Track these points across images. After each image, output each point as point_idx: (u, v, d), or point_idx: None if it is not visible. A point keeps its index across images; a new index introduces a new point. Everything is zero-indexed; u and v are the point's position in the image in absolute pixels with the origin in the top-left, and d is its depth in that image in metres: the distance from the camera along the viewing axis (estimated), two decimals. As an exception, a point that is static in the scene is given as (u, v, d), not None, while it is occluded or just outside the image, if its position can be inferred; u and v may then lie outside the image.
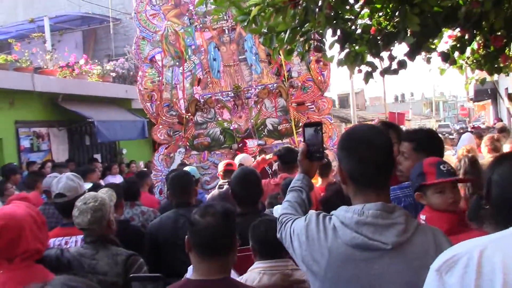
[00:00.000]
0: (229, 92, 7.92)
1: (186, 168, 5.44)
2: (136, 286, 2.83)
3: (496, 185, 1.83)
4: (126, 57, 14.58)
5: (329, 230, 1.68)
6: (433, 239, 1.64)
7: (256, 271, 2.55)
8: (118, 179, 9.83)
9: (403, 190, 2.67)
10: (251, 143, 7.85)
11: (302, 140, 2.12)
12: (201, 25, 7.95)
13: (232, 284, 2.08)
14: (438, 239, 1.65)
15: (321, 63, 7.46)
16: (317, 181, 5.33)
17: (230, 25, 7.83)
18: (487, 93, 18.15)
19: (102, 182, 7.64)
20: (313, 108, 7.75)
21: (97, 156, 13.10)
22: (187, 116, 8.00)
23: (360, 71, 3.54)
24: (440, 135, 3.41)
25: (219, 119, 8.01)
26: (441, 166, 2.33)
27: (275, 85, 7.82)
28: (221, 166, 5.90)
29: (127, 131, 12.70)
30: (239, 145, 7.86)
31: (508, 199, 1.80)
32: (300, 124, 7.64)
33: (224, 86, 7.95)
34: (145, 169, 10.34)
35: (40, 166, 9.05)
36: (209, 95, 7.97)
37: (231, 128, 7.92)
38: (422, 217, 2.29)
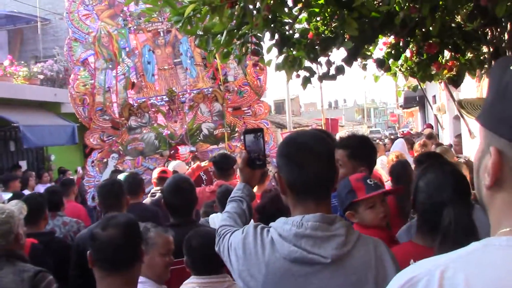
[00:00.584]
0: (164, 97, 7.73)
1: (120, 176, 5.20)
2: None
3: (422, 191, 1.97)
4: (55, 59, 13.95)
5: (266, 243, 1.59)
6: (374, 250, 1.58)
7: (190, 287, 2.39)
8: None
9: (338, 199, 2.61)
10: (183, 150, 7.69)
11: (243, 147, 2.03)
12: (135, 27, 7.72)
13: None
14: (379, 250, 1.59)
15: (258, 68, 7.44)
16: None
17: (165, 28, 7.66)
18: (415, 100, 18.88)
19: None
20: (249, 112, 7.69)
21: (23, 163, 12.41)
22: (120, 121, 7.73)
23: (298, 76, 3.49)
24: (372, 141, 3.45)
25: (154, 124, 7.80)
26: (368, 181, 2.33)
27: (210, 89, 7.70)
28: (155, 173, 5.71)
29: (56, 136, 12.13)
30: (171, 152, 7.68)
31: (434, 204, 1.83)
32: (236, 129, 7.58)
33: (158, 90, 7.76)
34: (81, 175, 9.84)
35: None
36: (143, 99, 7.74)
37: (164, 134, 7.72)
38: None
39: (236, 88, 7.67)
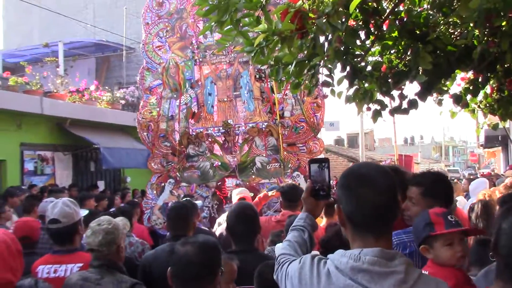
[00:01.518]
0: (220, 128, 7.87)
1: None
2: None
3: (505, 233, 1.76)
4: (136, 85, 14.64)
5: (322, 275, 1.57)
6: None
7: None
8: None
9: (408, 235, 2.51)
10: (230, 182, 7.71)
11: (308, 177, 2.01)
12: (201, 59, 7.97)
13: None
14: None
15: (315, 105, 7.38)
16: (322, 221, 5.15)
17: (228, 60, 7.82)
18: (497, 140, 17.99)
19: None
20: (304, 149, 7.55)
21: (101, 183, 13.00)
22: (179, 148, 7.97)
23: (369, 109, 3.43)
24: (450, 180, 3.28)
25: (211, 153, 7.95)
26: (449, 217, 2.21)
27: (265, 123, 7.69)
28: (234, 199, 5.75)
29: (133, 159, 12.65)
30: (218, 183, 7.74)
31: None
32: (290, 165, 7.50)
33: (216, 121, 7.90)
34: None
35: (40, 191, 8.88)
36: (201, 129, 7.93)
37: (214, 165, 7.82)
38: (425, 272, 2.07)
39: (291, 124, 7.59)
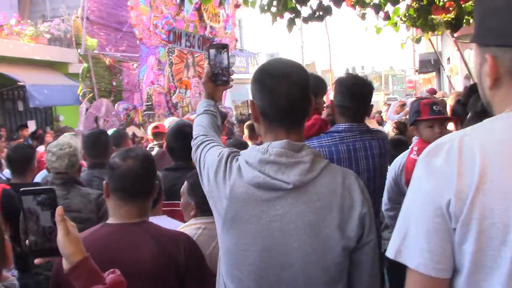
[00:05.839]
0: None
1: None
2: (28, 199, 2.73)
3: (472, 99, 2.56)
4: (62, 18, 13.77)
5: (234, 169, 1.59)
6: (342, 180, 1.56)
7: (194, 227, 2.34)
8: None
9: (320, 141, 2.55)
10: None
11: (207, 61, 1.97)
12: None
13: (152, 226, 2.02)
14: (348, 180, 1.57)
15: None
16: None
17: None
18: (431, 64, 18.38)
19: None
20: None
21: (31, 123, 12.43)
22: None
23: (282, 17, 3.30)
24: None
25: None
26: (434, 107, 2.79)
27: None
28: (149, 130, 5.68)
29: (63, 96, 12.10)
30: None
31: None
32: None
33: None
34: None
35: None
36: None
37: None
38: (415, 148, 2.84)
39: None
